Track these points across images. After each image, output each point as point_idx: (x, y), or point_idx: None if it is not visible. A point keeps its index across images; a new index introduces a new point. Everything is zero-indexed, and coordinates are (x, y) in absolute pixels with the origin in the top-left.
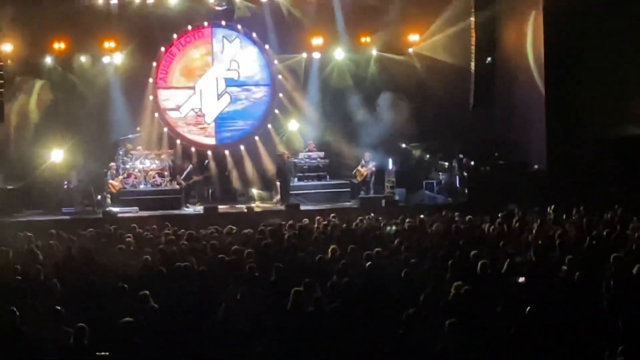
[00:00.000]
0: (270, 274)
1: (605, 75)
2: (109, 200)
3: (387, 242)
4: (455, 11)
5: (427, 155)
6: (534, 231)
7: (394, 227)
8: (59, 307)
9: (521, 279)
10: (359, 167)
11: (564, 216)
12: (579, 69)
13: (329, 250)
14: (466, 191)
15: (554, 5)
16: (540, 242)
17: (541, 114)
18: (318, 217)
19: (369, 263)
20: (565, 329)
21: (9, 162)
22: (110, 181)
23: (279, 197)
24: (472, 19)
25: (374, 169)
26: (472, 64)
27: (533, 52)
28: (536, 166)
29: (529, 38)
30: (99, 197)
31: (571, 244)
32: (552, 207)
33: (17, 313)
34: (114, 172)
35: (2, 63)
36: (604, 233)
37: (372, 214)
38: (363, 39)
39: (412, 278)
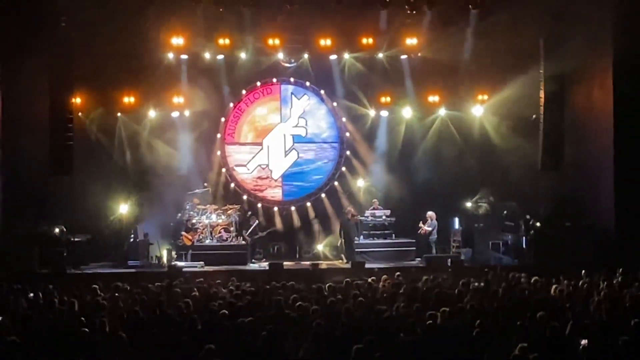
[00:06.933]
0: (335, 331)
1: None
2: (174, 254)
3: (453, 302)
4: (524, 72)
5: (494, 215)
6: (601, 293)
7: None
8: None
9: (583, 342)
10: (421, 224)
11: (632, 278)
12: None
13: (394, 308)
14: (533, 253)
15: (624, 65)
16: (607, 304)
17: (610, 174)
18: (384, 276)
19: (432, 322)
20: None
21: (76, 214)
22: (184, 233)
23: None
24: (541, 80)
25: (429, 229)
26: (541, 124)
27: (602, 112)
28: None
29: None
30: (165, 251)
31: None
32: (621, 269)
33: None
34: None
35: (72, 116)
36: None
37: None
38: (431, 98)
39: (477, 338)
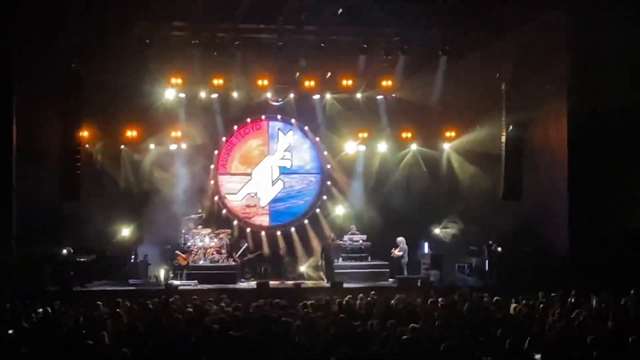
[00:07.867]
0: (315, 345)
1: (627, 175)
2: (171, 274)
3: (423, 319)
4: (488, 113)
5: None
6: (556, 313)
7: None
8: None
9: (537, 357)
10: (393, 250)
11: (584, 299)
12: (601, 170)
13: (369, 324)
14: (495, 275)
15: (578, 107)
16: (561, 323)
17: (565, 204)
18: (360, 294)
19: (403, 336)
20: None
21: (82, 236)
22: (179, 253)
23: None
24: (503, 119)
25: (399, 253)
26: (503, 160)
27: (558, 150)
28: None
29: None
30: (162, 271)
31: (590, 326)
32: (574, 291)
33: None
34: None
35: (80, 148)
36: (621, 316)
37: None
38: (404, 135)
39: (444, 352)
